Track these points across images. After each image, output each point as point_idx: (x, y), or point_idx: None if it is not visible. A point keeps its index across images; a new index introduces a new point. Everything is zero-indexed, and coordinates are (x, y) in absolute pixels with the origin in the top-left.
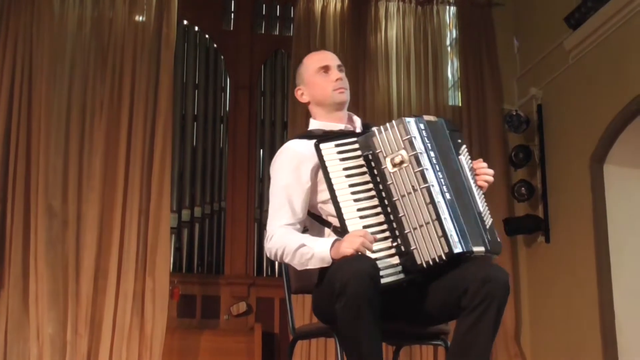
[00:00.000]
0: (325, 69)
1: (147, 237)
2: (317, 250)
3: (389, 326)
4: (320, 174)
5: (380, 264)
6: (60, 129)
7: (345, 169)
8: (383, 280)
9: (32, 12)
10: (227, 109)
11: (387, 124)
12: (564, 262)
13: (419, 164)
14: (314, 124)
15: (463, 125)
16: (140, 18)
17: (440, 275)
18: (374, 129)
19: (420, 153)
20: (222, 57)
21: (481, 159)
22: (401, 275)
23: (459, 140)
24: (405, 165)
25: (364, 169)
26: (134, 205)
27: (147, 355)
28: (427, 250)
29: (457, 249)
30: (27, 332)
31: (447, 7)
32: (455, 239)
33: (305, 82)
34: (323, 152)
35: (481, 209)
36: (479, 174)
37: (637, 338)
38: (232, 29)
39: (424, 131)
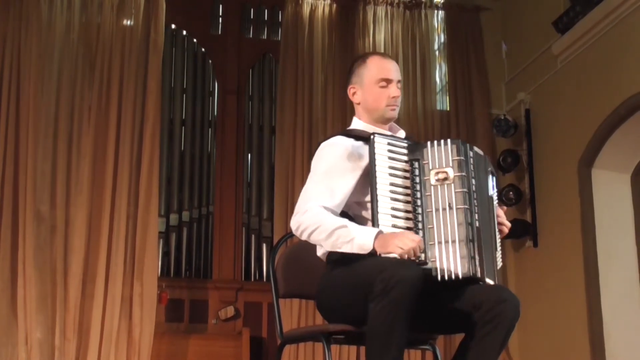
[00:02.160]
0: (387, 81)
1: (135, 242)
2: (359, 236)
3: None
4: (365, 176)
5: None
6: (48, 133)
7: (391, 167)
8: None
9: (19, 18)
10: (215, 113)
11: (441, 140)
12: (552, 266)
13: (461, 185)
14: (358, 124)
15: (451, 130)
16: (128, 23)
17: (449, 290)
18: (427, 142)
19: (464, 176)
20: (210, 61)
21: (505, 208)
22: None
23: (494, 183)
24: (448, 182)
25: (407, 174)
26: (122, 210)
27: (135, 359)
28: (445, 266)
29: (473, 273)
30: (15, 336)
31: (435, 11)
32: (476, 264)
33: (363, 84)
34: (376, 145)
35: (498, 249)
36: (499, 222)
37: (625, 342)
38: (220, 33)
39: (471, 159)
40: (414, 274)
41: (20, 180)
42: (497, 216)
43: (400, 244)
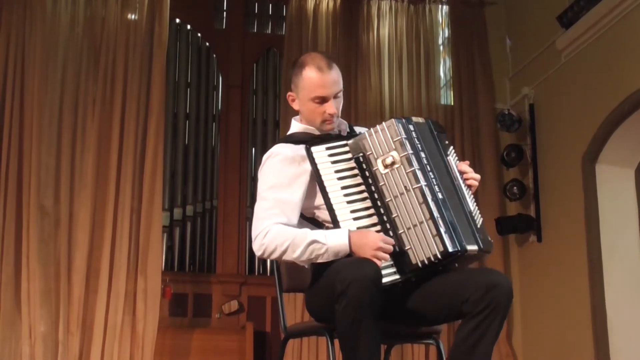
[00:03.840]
0: (322, 100)
1: (139, 236)
2: (332, 245)
3: (381, 325)
4: (313, 178)
5: None
6: (52, 128)
7: (337, 171)
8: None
9: (24, 12)
10: (219, 107)
11: (377, 126)
12: (555, 261)
13: (410, 164)
14: (297, 127)
15: (455, 125)
16: (133, 17)
17: (438, 278)
18: (364, 131)
19: (411, 154)
20: (214, 55)
21: (467, 161)
22: (396, 276)
23: (446, 142)
24: (396, 166)
25: (356, 171)
26: (125, 204)
27: (139, 354)
28: (421, 250)
29: (452, 247)
30: (19, 330)
31: (440, 5)
32: (450, 237)
33: (299, 96)
34: (314, 155)
35: (472, 208)
36: (466, 178)
37: (629, 337)
38: (224, 27)
39: (413, 132)
40: (369, 270)
41: (24, 174)
42: (463, 172)
43: (375, 253)
